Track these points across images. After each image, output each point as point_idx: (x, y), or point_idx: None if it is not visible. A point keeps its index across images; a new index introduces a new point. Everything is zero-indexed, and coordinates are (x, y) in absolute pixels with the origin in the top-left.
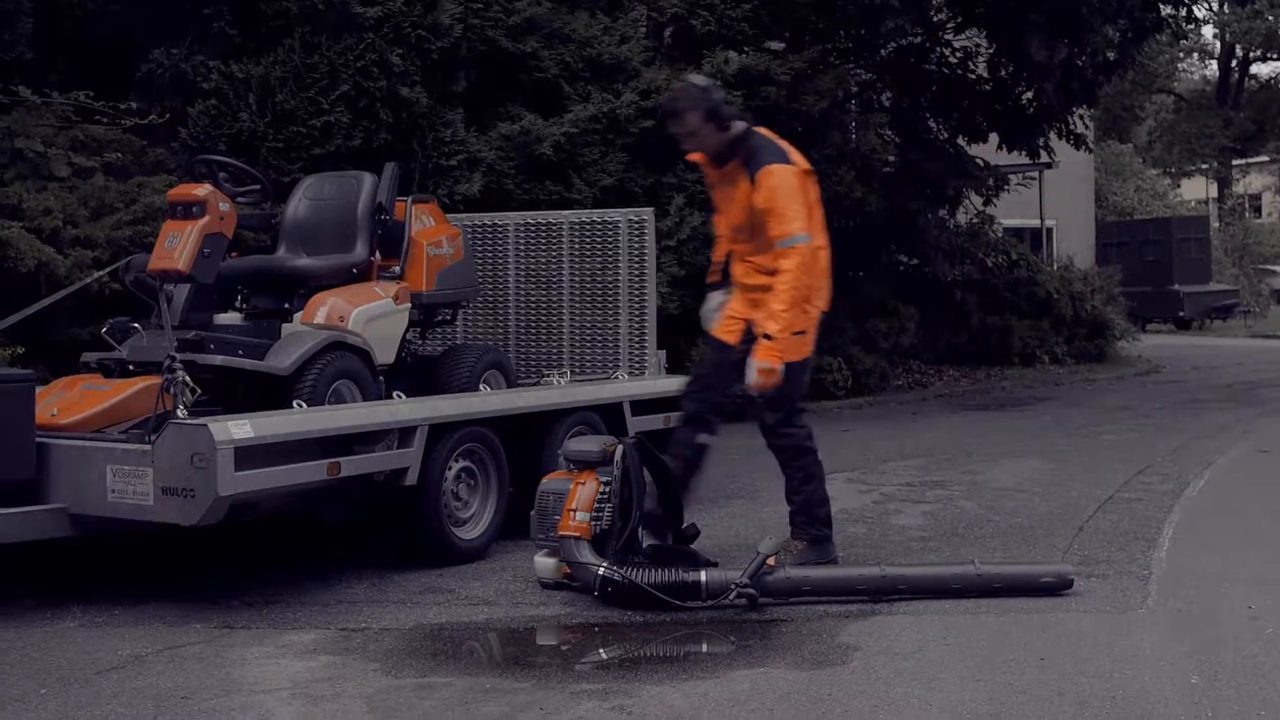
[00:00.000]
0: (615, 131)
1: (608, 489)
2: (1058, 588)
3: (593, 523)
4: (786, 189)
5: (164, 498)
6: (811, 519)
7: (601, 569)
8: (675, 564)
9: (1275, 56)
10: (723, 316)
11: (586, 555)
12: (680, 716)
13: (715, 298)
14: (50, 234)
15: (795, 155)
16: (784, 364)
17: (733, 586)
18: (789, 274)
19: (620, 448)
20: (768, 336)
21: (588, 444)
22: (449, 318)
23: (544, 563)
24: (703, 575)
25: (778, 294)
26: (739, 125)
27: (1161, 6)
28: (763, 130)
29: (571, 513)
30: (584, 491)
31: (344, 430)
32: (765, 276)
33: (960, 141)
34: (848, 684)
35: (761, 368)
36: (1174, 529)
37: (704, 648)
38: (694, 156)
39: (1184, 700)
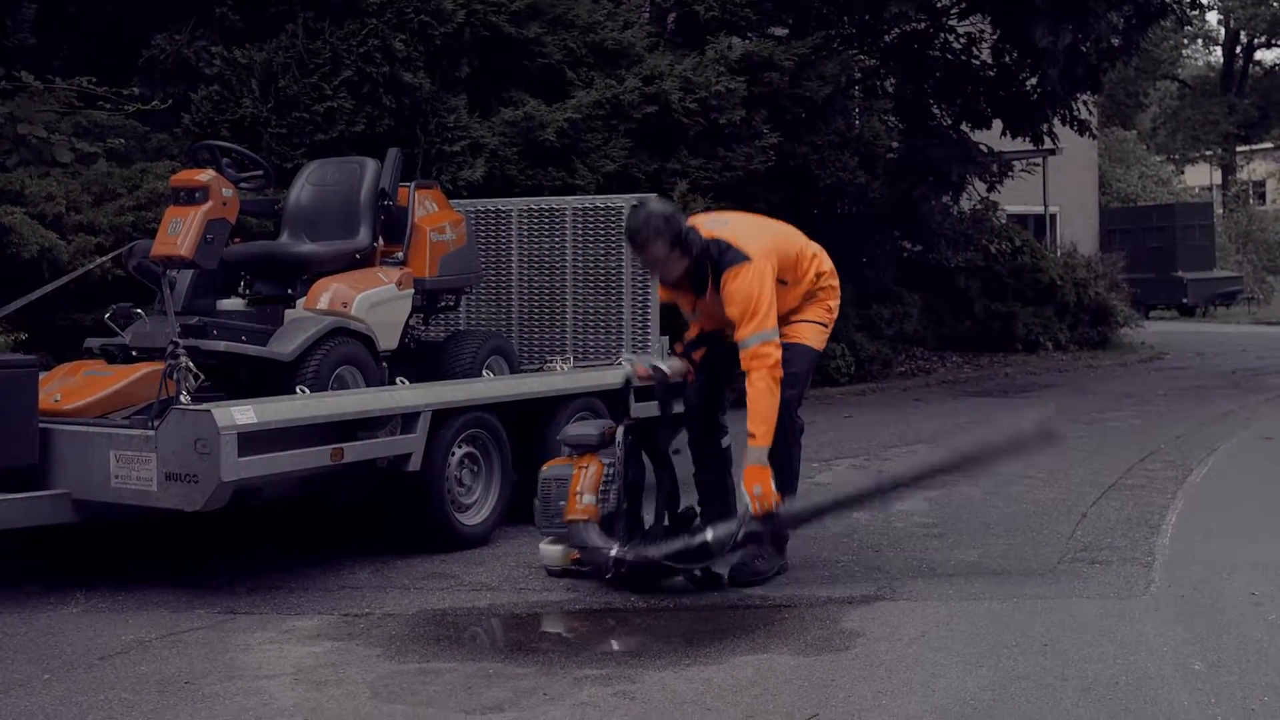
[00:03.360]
0: (618, 117)
1: (611, 470)
2: (1048, 435)
3: (599, 504)
4: (743, 294)
5: (167, 483)
6: None
7: (614, 549)
8: (680, 534)
9: (1279, 43)
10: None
11: (597, 538)
12: (683, 702)
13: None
14: (53, 220)
15: (749, 244)
16: (808, 346)
17: (738, 528)
18: (754, 389)
19: (620, 429)
20: (759, 454)
21: (586, 428)
22: (452, 303)
23: (550, 550)
24: (709, 534)
25: (751, 412)
26: (699, 243)
27: None
28: (710, 233)
29: (578, 496)
30: (588, 475)
31: (347, 416)
32: None
33: (964, 128)
34: (850, 670)
35: (754, 494)
36: (1177, 515)
37: (707, 634)
38: (665, 294)
39: (1187, 686)
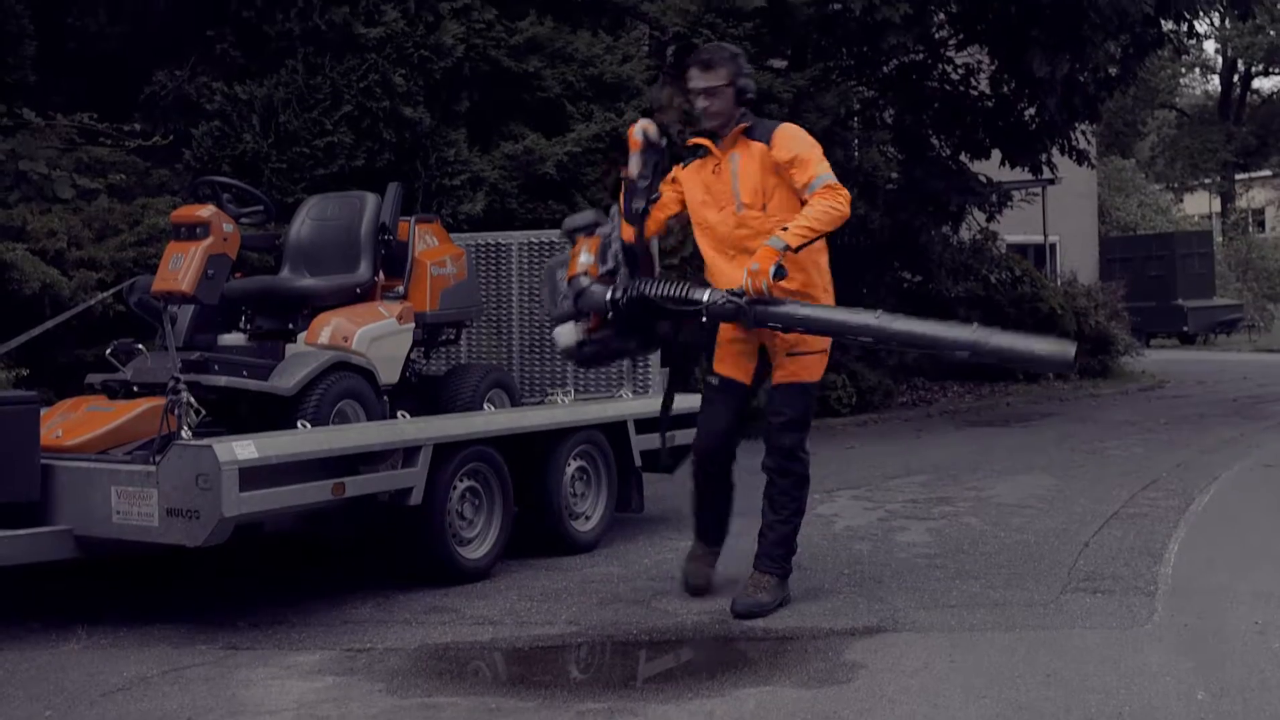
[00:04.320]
0: (618, 150)
1: (609, 236)
2: (1058, 364)
3: (599, 264)
4: (804, 139)
5: (169, 519)
6: (789, 552)
7: (610, 292)
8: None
9: (1277, 71)
10: (725, 347)
11: (594, 285)
12: None
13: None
14: (54, 256)
15: None
16: (806, 384)
17: (730, 302)
18: (825, 200)
19: (613, 207)
20: (779, 240)
21: (584, 215)
22: (453, 337)
23: (561, 330)
24: (705, 293)
25: (802, 214)
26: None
27: (1163, 22)
28: None
29: (577, 258)
30: (585, 245)
31: (348, 450)
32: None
33: (963, 158)
34: (853, 702)
35: (751, 269)
36: (1180, 544)
37: (709, 666)
38: (696, 140)
39: (1190, 716)
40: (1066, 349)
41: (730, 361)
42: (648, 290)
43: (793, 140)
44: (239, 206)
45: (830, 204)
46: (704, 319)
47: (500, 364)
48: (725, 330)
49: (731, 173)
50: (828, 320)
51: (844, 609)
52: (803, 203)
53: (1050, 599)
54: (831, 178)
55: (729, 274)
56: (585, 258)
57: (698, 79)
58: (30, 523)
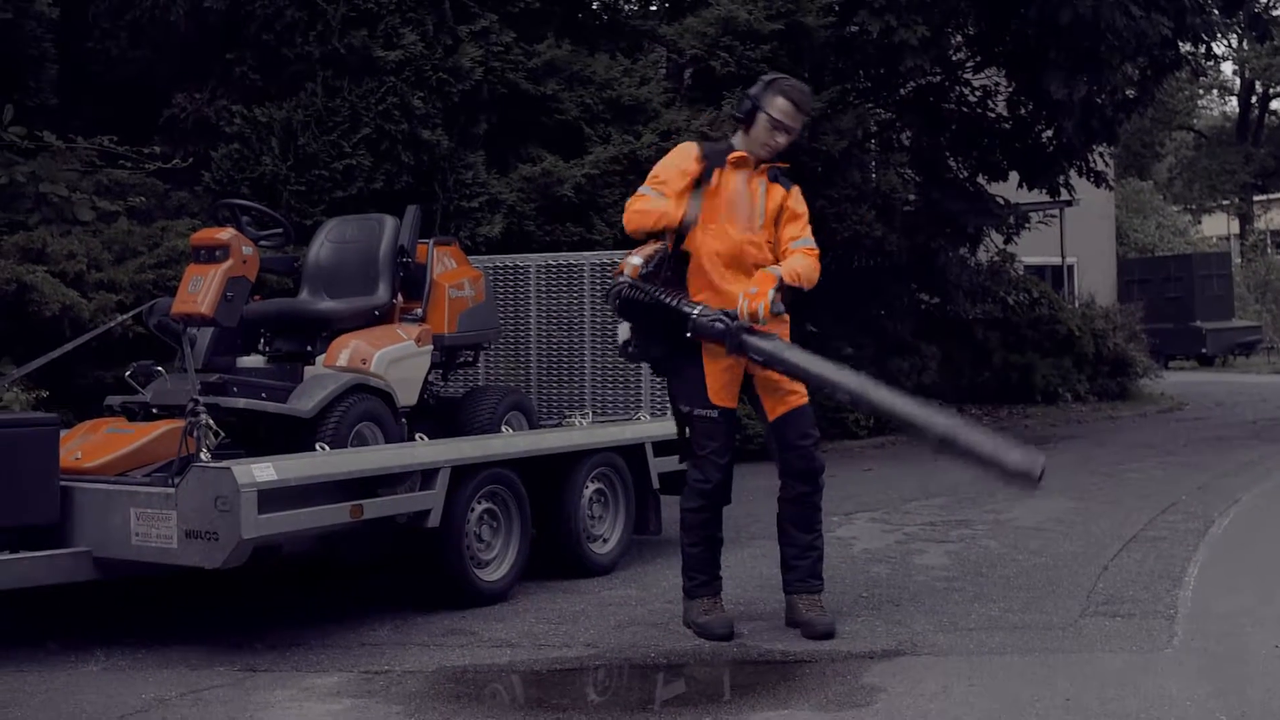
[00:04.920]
0: (635, 172)
1: (663, 248)
2: (1023, 480)
3: (642, 267)
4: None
5: (187, 541)
6: (822, 567)
7: (628, 283)
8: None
9: None
10: (719, 375)
11: (624, 281)
12: None
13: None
14: (74, 278)
15: None
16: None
17: (719, 321)
18: (811, 259)
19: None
20: (776, 269)
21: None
22: (471, 359)
23: (620, 328)
24: (695, 310)
25: (803, 261)
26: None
27: (1181, 44)
28: None
29: (627, 261)
30: (644, 249)
31: (367, 472)
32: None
33: (980, 180)
34: None
35: (749, 292)
36: (1199, 568)
37: (727, 689)
38: (737, 155)
39: None
40: (1034, 466)
41: (727, 391)
42: (646, 292)
43: (802, 201)
44: (258, 229)
45: (815, 264)
46: (689, 334)
47: (518, 386)
48: (716, 356)
49: (760, 195)
50: (809, 371)
51: (862, 632)
52: (785, 252)
53: (1069, 622)
54: (815, 244)
55: (721, 288)
56: (634, 259)
57: (795, 118)
58: (49, 544)
